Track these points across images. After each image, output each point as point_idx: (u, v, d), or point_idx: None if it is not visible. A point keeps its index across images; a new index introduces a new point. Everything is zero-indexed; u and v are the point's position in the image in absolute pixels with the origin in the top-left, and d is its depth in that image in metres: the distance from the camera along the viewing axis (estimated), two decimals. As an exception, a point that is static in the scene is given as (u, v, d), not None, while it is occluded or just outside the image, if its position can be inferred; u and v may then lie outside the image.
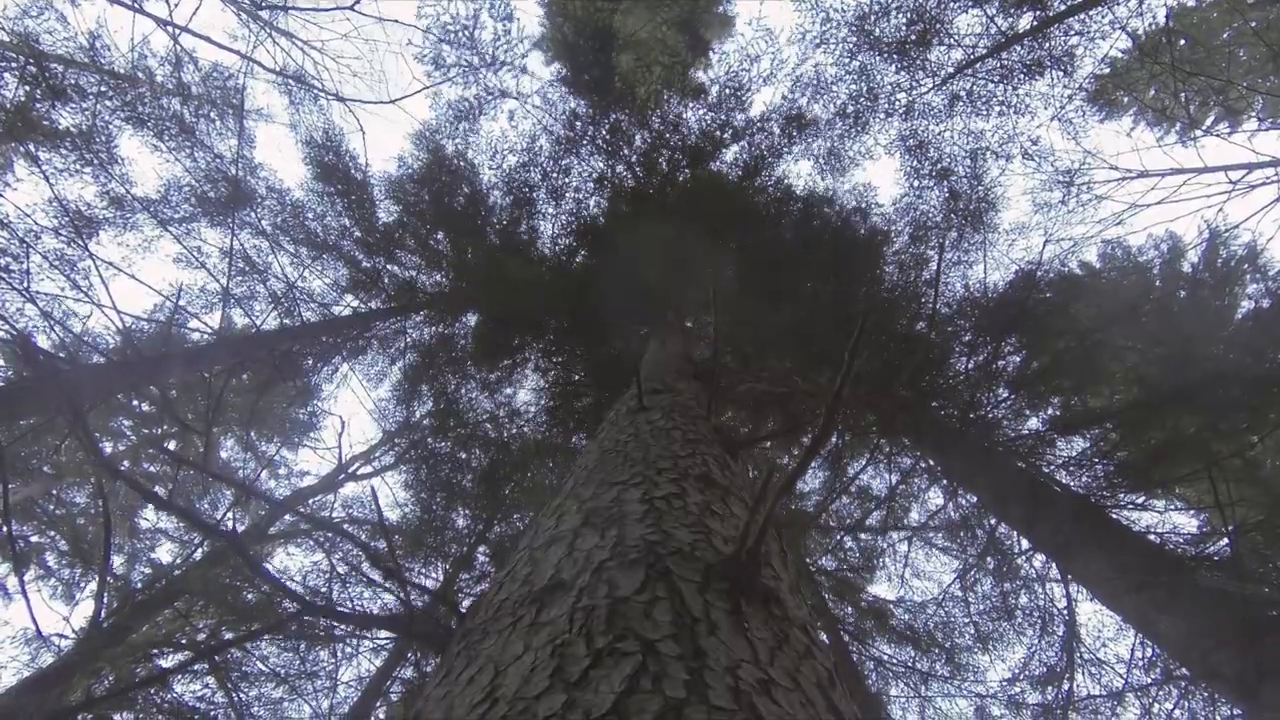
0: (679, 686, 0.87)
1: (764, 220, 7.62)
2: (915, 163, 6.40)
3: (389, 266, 7.46)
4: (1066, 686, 5.61)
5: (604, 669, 0.91)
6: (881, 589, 8.36)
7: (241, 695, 7.50)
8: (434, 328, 8.12)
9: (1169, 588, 3.66)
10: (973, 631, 6.93)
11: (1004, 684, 6.50)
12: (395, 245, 7.54)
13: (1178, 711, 5.75)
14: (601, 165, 7.50)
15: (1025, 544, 6.50)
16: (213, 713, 7.67)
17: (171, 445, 12.34)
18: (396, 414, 7.70)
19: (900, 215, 8.12)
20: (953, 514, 7.36)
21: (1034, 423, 7.27)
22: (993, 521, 6.65)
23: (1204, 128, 8.68)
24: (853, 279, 7.43)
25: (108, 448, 10.85)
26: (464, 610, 1.70)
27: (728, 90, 7.33)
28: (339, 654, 7.88)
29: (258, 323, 5.91)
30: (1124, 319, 7.19)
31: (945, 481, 6.60)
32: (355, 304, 7.21)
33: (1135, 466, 6.33)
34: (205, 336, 5.45)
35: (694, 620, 1.06)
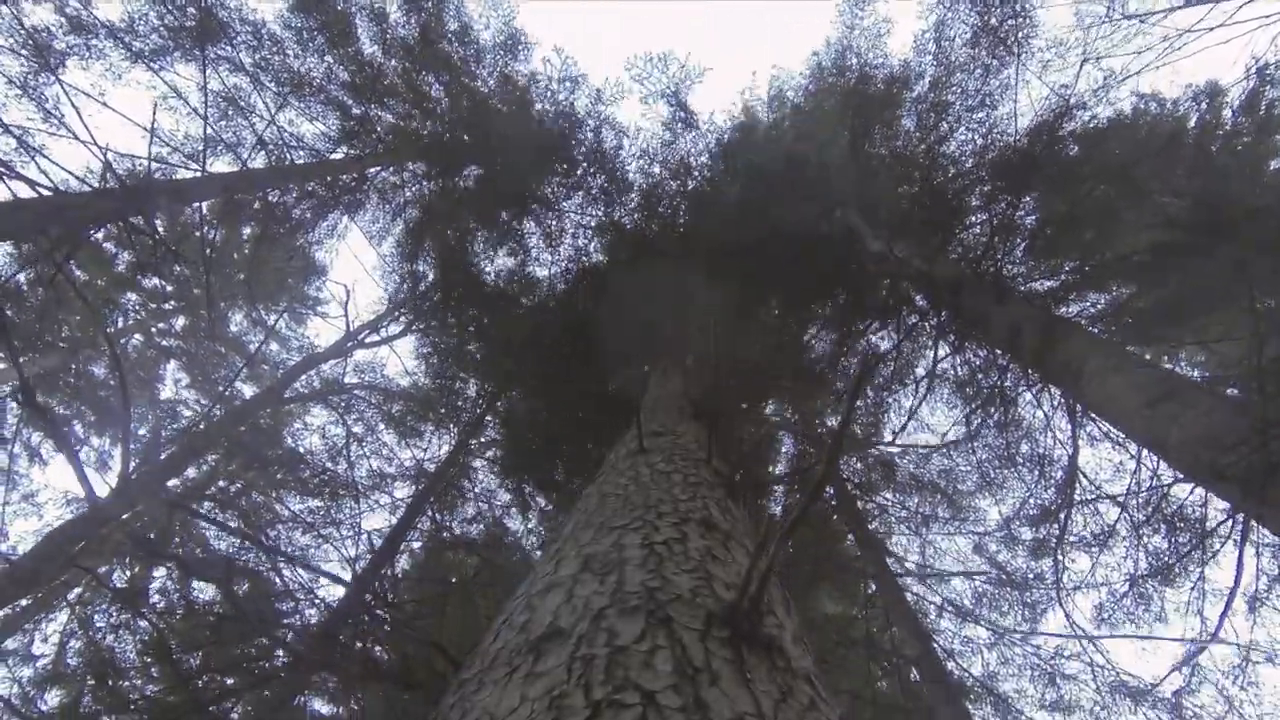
0: None
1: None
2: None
3: (381, 114, 7.06)
4: (1063, 517, 5.79)
5: None
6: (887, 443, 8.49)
7: (268, 539, 7.97)
8: (433, 182, 7.83)
9: (1184, 400, 3.63)
10: (975, 478, 7.12)
11: (1003, 522, 6.74)
12: (385, 92, 7.10)
13: (1164, 543, 5.99)
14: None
15: (1032, 391, 6.52)
16: (244, 556, 8.20)
17: (180, 322, 12.41)
18: (401, 270, 7.58)
19: (921, 52, 7.52)
20: (959, 368, 7.37)
21: (1050, 284, 7.11)
22: (1000, 368, 6.63)
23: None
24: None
25: (120, 321, 10.92)
26: (460, 659, 1.65)
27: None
28: (361, 505, 8.28)
29: (246, 162, 5.65)
30: (1155, 163, 6.79)
31: (955, 328, 6.51)
32: (350, 153, 6.90)
33: (1156, 314, 6.22)
34: (192, 174, 5.24)
35: (695, 670, 1.03)
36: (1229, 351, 6.14)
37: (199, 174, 4.79)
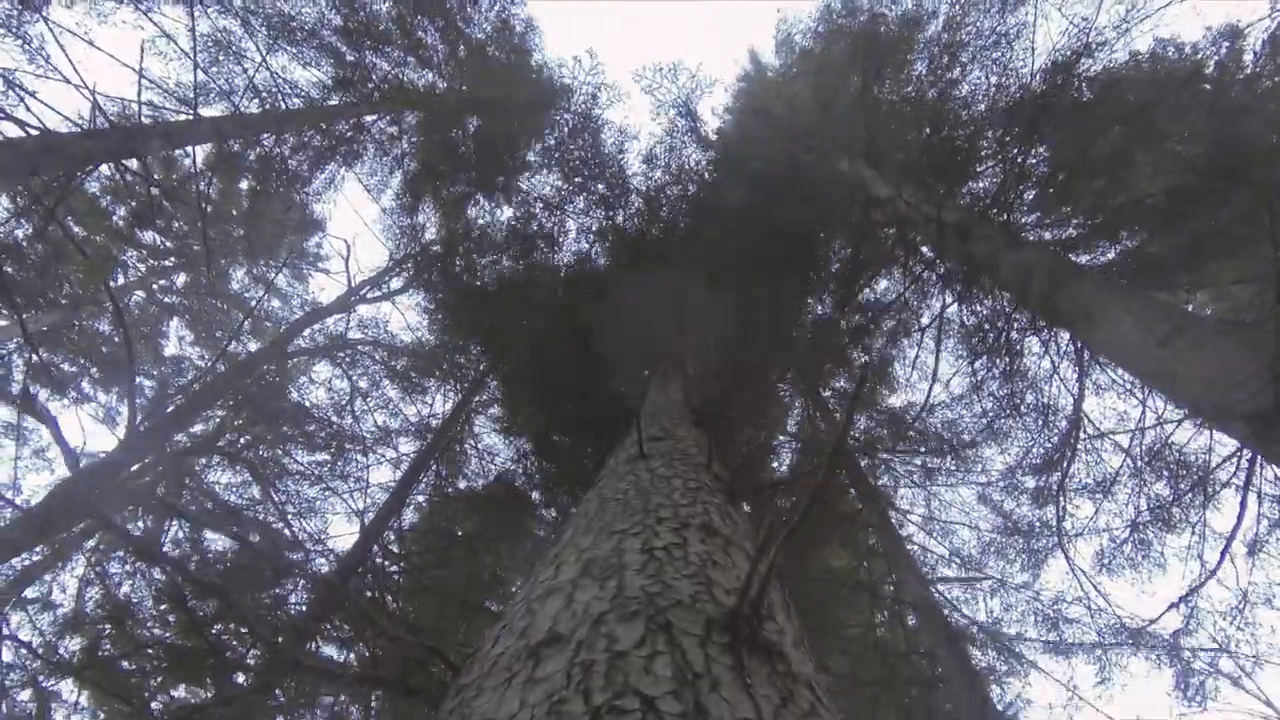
0: None
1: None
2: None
3: (376, 61, 6.87)
4: (1065, 464, 5.80)
5: None
6: (892, 401, 8.41)
7: (277, 495, 8.08)
8: (432, 135, 7.66)
9: (1195, 338, 3.58)
10: (981, 425, 7.09)
11: (1007, 471, 6.75)
12: (380, 38, 6.90)
13: (1166, 490, 6.02)
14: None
15: (1039, 338, 6.47)
16: (251, 510, 8.32)
17: (181, 279, 12.36)
18: (401, 224, 7.48)
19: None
20: (965, 317, 7.30)
21: (1060, 234, 6.99)
22: (1006, 316, 6.57)
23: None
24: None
25: (121, 277, 10.88)
26: (459, 665, 1.64)
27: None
28: (369, 458, 8.36)
29: (239, 109, 5.52)
30: (1172, 105, 6.59)
31: (962, 275, 6.43)
32: (346, 100, 6.73)
33: (1169, 260, 6.11)
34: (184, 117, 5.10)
35: (695, 676, 1.02)
36: (1242, 295, 6.06)
37: (191, 117, 4.67)
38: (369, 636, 6.34)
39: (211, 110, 6.16)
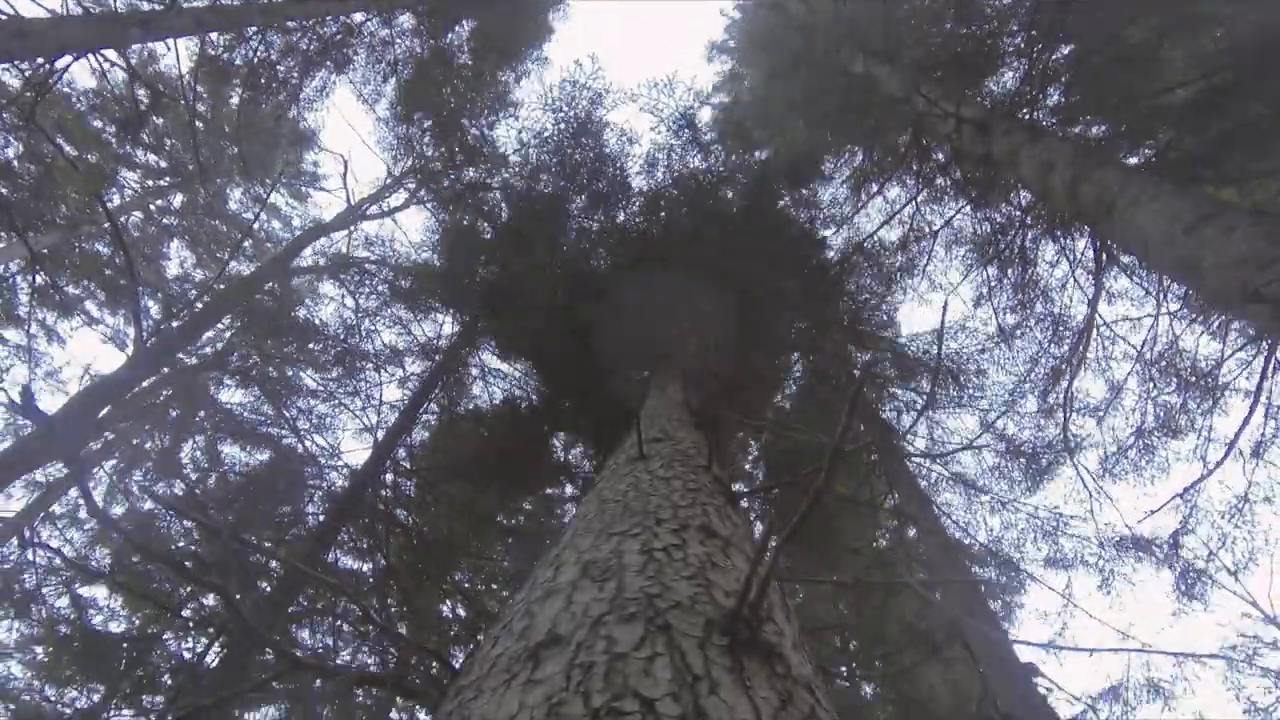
0: None
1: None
2: None
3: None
4: (1074, 370, 5.75)
5: None
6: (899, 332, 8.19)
7: (289, 412, 8.19)
8: (426, 37, 7.30)
9: (1223, 223, 3.46)
10: (991, 345, 6.98)
11: (1017, 384, 6.67)
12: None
13: (1176, 397, 5.99)
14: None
15: (1056, 243, 6.31)
16: (264, 427, 8.45)
17: (179, 199, 12.16)
18: (397, 131, 7.23)
19: None
20: (979, 224, 7.11)
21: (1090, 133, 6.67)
22: (1022, 221, 6.39)
23: None
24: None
25: (115, 199, 10.71)
26: (457, 666, 1.62)
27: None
28: (381, 376, 8.41)
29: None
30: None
31: (980, 175, 6.21)
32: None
33: (1198, 156, 5.85)
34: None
35: (695, 678, 1.03)
36: (1268, 190, 5.85)
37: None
38: (386, 540, 6.53)
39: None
